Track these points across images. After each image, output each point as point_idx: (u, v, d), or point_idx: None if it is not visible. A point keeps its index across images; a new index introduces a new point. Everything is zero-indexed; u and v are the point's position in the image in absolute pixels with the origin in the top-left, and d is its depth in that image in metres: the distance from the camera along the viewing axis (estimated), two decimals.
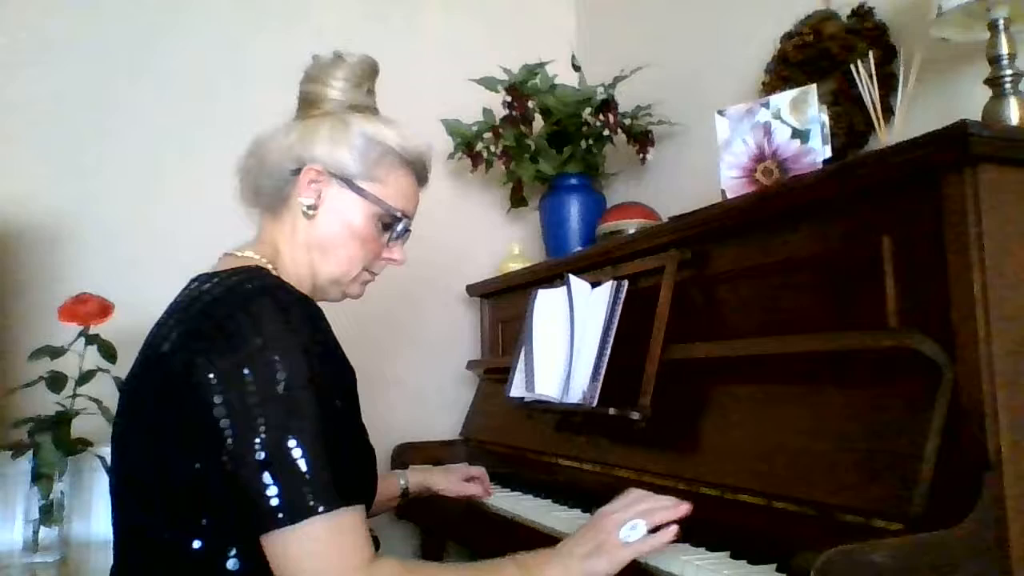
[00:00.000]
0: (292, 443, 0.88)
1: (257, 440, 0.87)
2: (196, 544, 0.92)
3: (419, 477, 1.58)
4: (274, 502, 0.87)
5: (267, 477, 0.87)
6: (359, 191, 1.11)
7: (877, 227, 1.10)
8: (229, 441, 0.88)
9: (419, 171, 1.18)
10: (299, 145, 1.10)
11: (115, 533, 1.02)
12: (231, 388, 0.89)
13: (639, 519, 1.02)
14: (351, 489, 0.92)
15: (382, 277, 1.22)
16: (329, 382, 0.94)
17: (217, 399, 0.89)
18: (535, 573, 0.98)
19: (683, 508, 1.04)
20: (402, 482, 1.56)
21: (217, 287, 0.99)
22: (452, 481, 1.60)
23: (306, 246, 1.11)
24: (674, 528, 1.03)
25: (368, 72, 1.17)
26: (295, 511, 0.87)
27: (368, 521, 0.96)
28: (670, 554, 1.10)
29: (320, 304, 1.06)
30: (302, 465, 0.87)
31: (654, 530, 1.03)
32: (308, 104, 1.15)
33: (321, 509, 0.87)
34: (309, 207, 1.10)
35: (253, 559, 0.91)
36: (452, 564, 1.06)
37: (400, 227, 1.16)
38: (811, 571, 0.82)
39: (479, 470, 1.64)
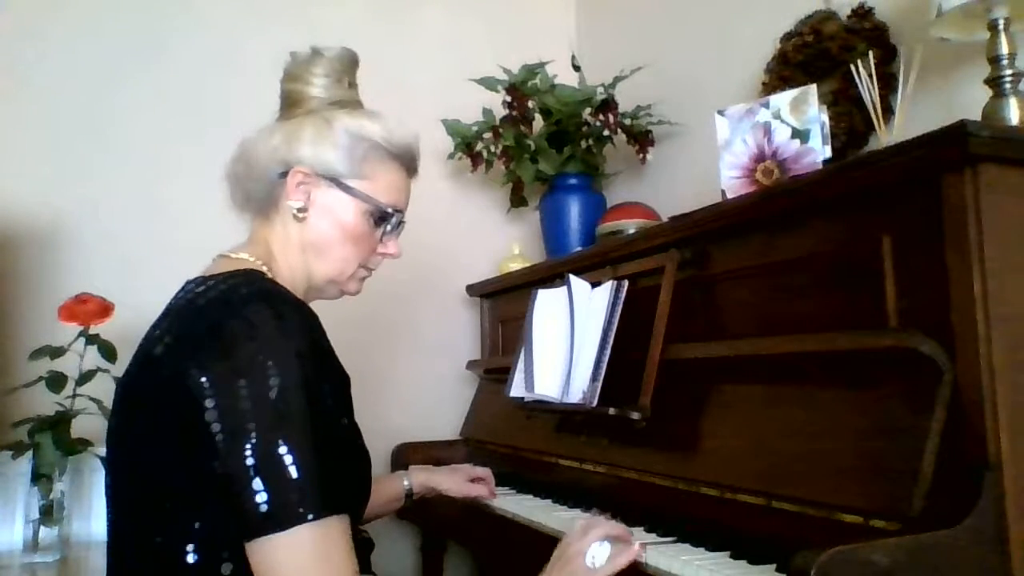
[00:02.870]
0: (283, 449, 0.86)
1: (248, 446, 0.86)
2: (189, 548, 0.91)
3: (423, 478, 1.56)
4: (263, 508, 0.86)
5: (257, 483, 0.86)
6: (348, 190, 1.09)
7: (877, 227, 1.10)
8: (221, 446, 0.87)
9: (408, 162, 1.16)
10: (284, 147, 1.09)
11: (109, 535, 1.02)
12: (223, 393, 0.88)
13: (599, 540, 1.08)
14: (342, 496, 0.91)
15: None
16: (322, 388, 0.93)
17: (209, 403, 0.88)
18: None
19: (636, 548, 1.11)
20: (406, 483, 1.54)
21: (211, 291, 0.98)
22: (456, 481, 1.58)
23: (300, 248, 1.10)
24: (636, 547, 1.10)
25: (348, 65, 1.15)
26: (283, 518, 0.86)
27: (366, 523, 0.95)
28: (671, 554, 1.10)
29: (319, 304, 1.06)
30: (292, 472, 0.86)
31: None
32: (290, 103, 1.13)
33: (310, 517, 0.86)
34: (299, 210, 1.08)
35: (248, 565, 0.89)
36: None
37: (393, 221, 1.15)
38: (811, 571, 0.82)
39: (484, 471, 1.63)
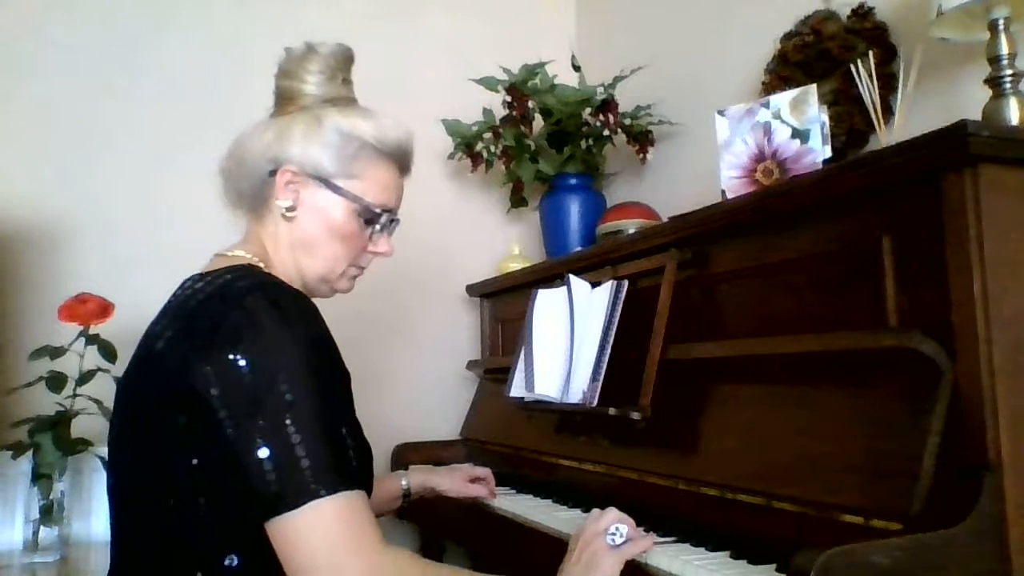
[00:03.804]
0: (291, 430, 0.88)
1: (256, 429, 0.88)
2: (194, 542, 0.92)
3: (421, 478, 1.56)
4: (275, 488, 0.87)
5: (267, 464, 0.87)
6: (336, 189, 1.09)
7: (877, 227, 1.10)
8: (229, 431, 0.89)
9: (400, 161, 1.16)
10: (275, 145, 1.09)
11: (113, 533, 1.02)
12: (228, 381, 0.89)
13: (615, 522, 1.08)
14: (351, 476, 0.92)
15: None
16: (324, 375, 0.94)
17: (214, 391, 0.89)
18: None
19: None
20: (404, 483, 1.54)
21: (209, 286, 0.99)
22: (456, 481, 1.57)
23: (290, 246, 1.11)
24: (653, 536, 1.13)
25: (342, 61, 1.14)
26: (297, 495, 0.87)
27: None
28: (671, 554, 1.10)
29: (319, 302, 1.06)
30: (301, 451, 0.88)
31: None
32: (284, 99, 1.13)
33: (323, 492, 0.87)
34: (288, 209, 1.09)
35: (252, 556, 0.91)
36: (464, 570, 1.00)
37: (383, 220, 1.14)
38: (811, 571, 0.82)
39: (484, 471, 1.62)
